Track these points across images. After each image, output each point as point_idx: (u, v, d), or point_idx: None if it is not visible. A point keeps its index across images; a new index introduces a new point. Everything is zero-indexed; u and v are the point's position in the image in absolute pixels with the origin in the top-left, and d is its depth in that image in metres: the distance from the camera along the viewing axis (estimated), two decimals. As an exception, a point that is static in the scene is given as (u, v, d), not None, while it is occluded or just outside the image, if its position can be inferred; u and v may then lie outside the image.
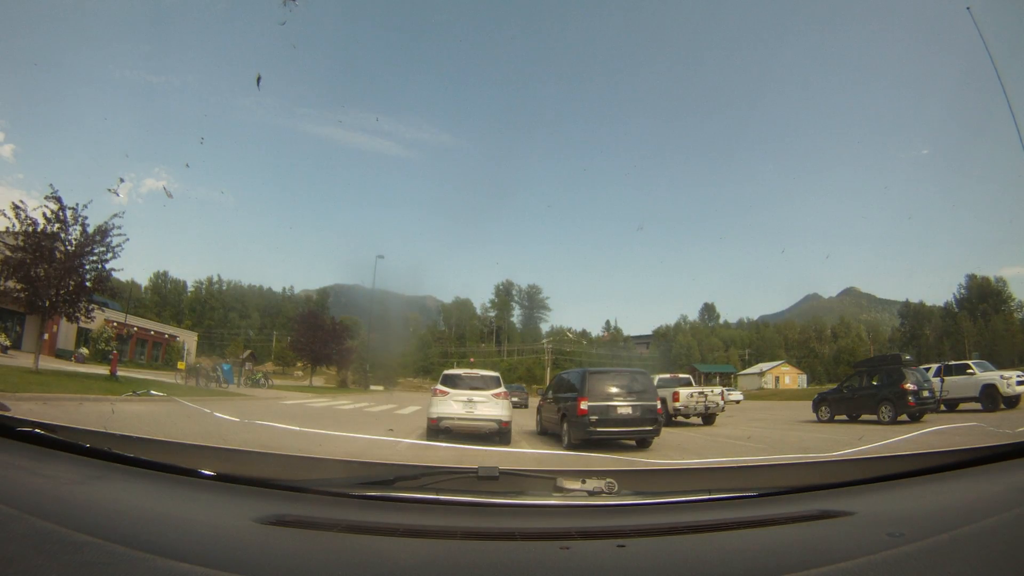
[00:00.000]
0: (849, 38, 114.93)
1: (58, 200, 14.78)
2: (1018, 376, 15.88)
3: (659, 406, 10.12)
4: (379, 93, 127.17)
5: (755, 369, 70.77)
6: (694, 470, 4.94)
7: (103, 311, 22.07)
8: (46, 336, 22.35)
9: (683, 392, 15.35)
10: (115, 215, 15.70)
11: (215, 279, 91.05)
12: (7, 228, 14.82)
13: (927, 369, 17.22)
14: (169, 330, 52.87)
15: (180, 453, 1.86)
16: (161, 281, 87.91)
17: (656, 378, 15.36)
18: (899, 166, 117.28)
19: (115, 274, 16.58)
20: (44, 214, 14.71)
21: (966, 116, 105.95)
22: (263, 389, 29.00)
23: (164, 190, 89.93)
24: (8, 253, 14.94)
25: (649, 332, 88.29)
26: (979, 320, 68.92)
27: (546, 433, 11.84)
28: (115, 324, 38.77)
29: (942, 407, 15.69)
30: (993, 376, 16.17)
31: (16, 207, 14.50)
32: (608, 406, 9.59)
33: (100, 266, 15.69)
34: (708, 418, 15.49)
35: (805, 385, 63.44)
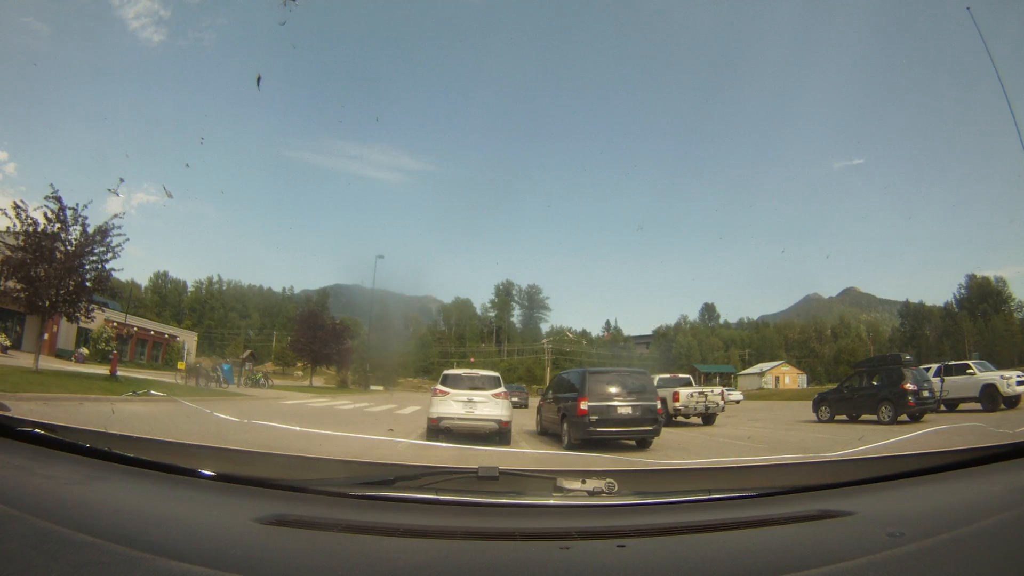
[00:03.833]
0: (849, 37, 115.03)
1: (58, 200, 14.79)
2: (1018, 376, 15.86)
3: (659, 406, 10.12)
4: (379, 93, 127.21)
5: (755, 369, 70.68)
6: (694, 470, 4.93)
7: (103, 311, 22.02)
8: (46, 336, 22.32)
9: (683, 392, 15.34)
10: (115, 215, 15.75)
11: (215, 279, 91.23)
12: (7, 228, 14.84)
13: (927, 369, 17.20)
14: (169, 330, 52.84)
15: (180, 453, 1.85)
16: (161, 281, 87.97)
17: (656, 378, 15.35)
18: (899, 165, 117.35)
19: (115, 274, 16.60)
20: (44, 214, 14.73)
21: (966, 116, 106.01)
22: (263, 389, 28.97)
23: (164, 189, 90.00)
24: (8, 253, 14.95)
25: (649, 332, 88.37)
26: (979, 320, 68.88)
27: (546, 433, 11.83)
28: (115, 324, 38.73)
29: (942, 407, 15.67)
30: (993, 376, 16.14)
31: (17, 207, 14.53)
32: (608, 406, 9.59)
33: (100, 266, 15.68)
34: (708, 418, 15.48)
35: (805, 385, 63.36)
